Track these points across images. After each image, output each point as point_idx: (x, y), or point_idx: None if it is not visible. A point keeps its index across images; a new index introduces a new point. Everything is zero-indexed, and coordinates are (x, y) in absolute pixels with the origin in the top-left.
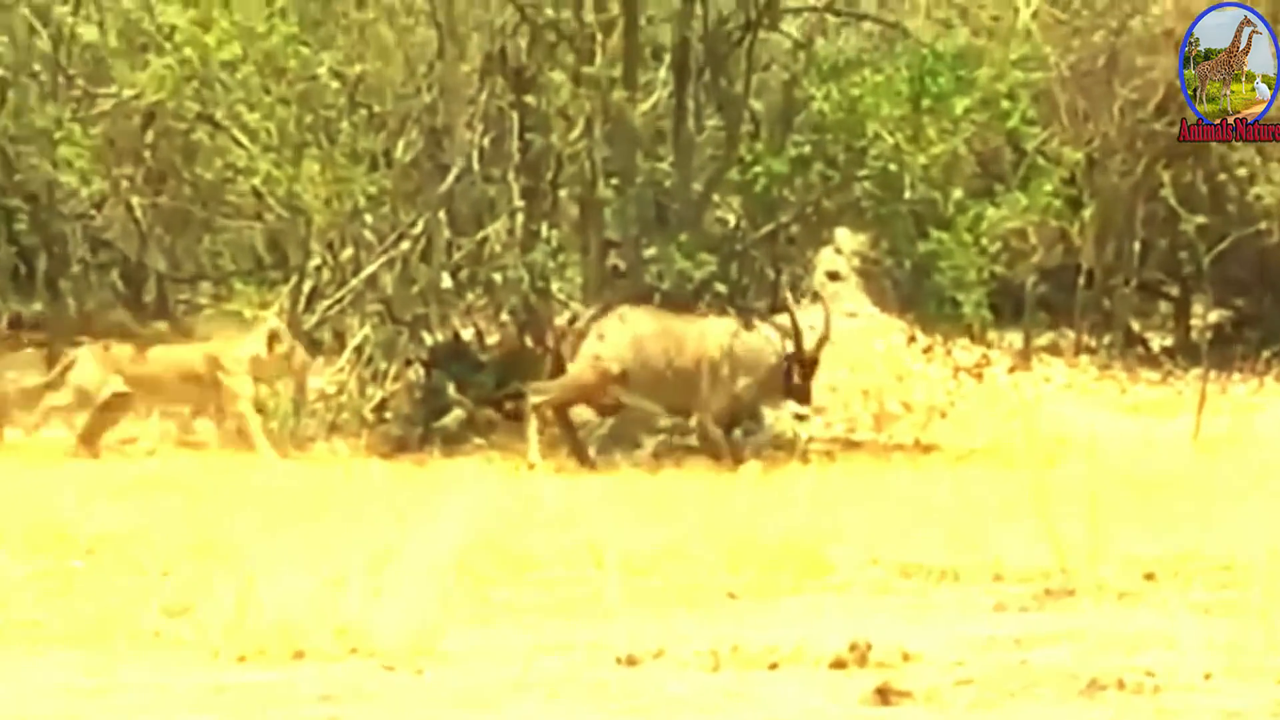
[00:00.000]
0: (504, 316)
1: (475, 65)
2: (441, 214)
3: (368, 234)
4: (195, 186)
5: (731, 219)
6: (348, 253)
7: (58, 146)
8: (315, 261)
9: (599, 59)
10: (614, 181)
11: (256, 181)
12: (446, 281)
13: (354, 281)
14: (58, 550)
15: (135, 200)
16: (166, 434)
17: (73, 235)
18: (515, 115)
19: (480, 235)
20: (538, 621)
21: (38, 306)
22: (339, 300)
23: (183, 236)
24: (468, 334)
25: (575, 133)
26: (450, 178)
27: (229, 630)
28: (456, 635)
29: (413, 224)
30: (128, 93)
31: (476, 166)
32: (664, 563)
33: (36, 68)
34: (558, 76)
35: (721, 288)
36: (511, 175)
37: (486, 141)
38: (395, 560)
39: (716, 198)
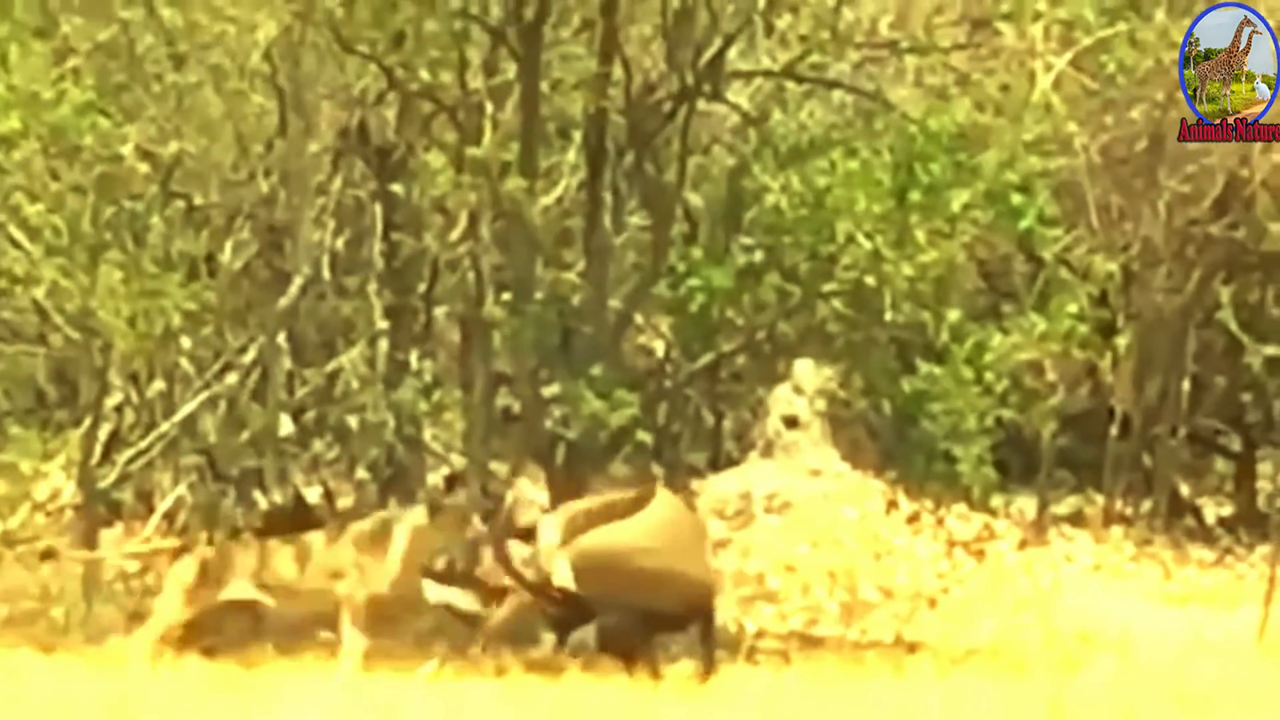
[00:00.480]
0: (361, 473)
1: (327, 144)
2: (281, 338)
3: (184, 363)
4: None
5: (659, 347)
6: (157, 387)
7: None
8: (115, 399)
9: (488, 137)
10: (506, 297)
11: (39, 294)
12: (286, 426)
13: (165, 425)
14: None
15: None
16: None
17: None
18: (378, 209)
19: (331, 366)
20: None
21: None
22: (145, 450)
23: None
24: (313, 495)
25: (456, 233)
26: (293, 290)
27: None
28: None
29: (243, 350)
30: None
31: (328, 275)
32: None
33: None
34: (434, 159)
35: (645, 437)
36: (373, 288)
37: (341, 243)
38: None
39: (640, 319)
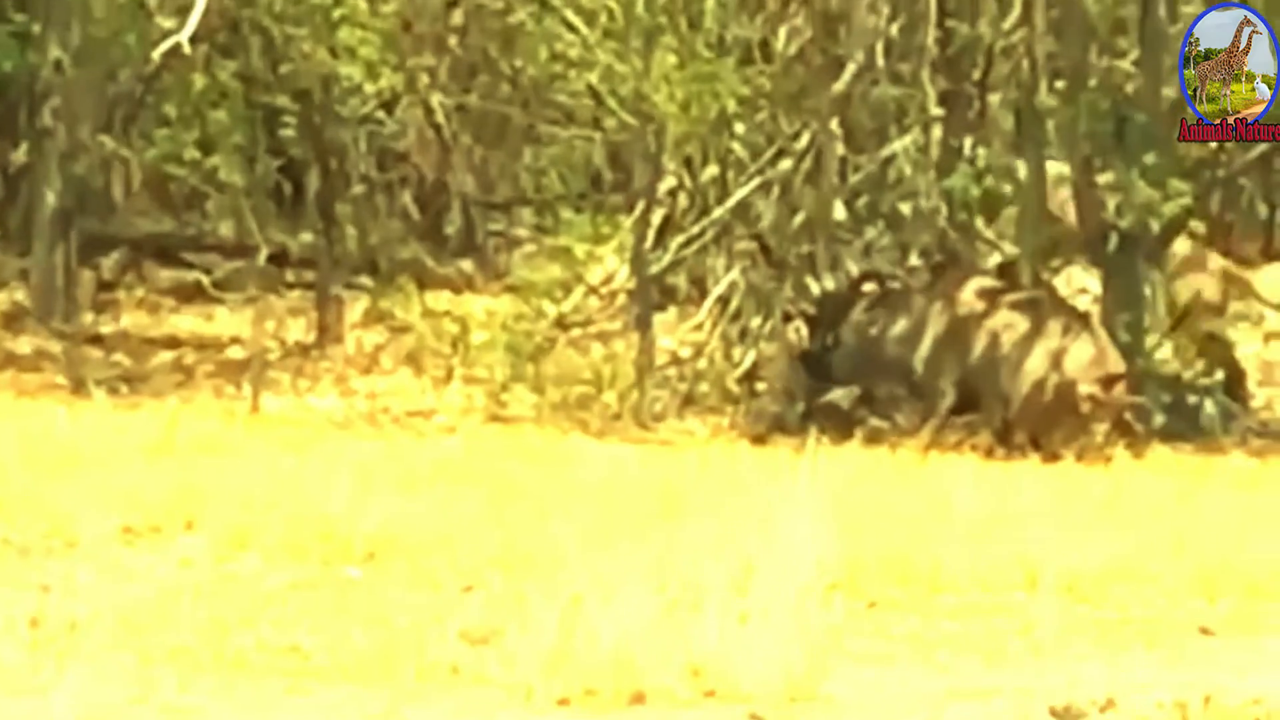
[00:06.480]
0: (913, 259)
1: None
2: (834, 124)
3: (738, 149)
4: (514, 84)
5: None
6: (711, 172)
7: (337, 29)
8: (669, 184)
9: None
10: (1060, 85)
11: (594, 78)
12: (839, 212)
13: (719, 211)
14: (327, 555)
15: (436, 101)
16: (471, 406)
17: (354, 146)
18: None
19: (884, 152)
20: (950, 659)
21: (307, 238)
22: (699, 235)
23: (497, 149)
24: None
25: (1010, 19)
26: (846, 76)
27: (548, 664)
28: (843, 676)
29: (796, 136)
30: None
31: (881, 62)
32: (1116, 586)
33: None
34: None
35: (1198, 226)
36: (926, 74)
37: (894, 29)
38: (765, 577)
39: None
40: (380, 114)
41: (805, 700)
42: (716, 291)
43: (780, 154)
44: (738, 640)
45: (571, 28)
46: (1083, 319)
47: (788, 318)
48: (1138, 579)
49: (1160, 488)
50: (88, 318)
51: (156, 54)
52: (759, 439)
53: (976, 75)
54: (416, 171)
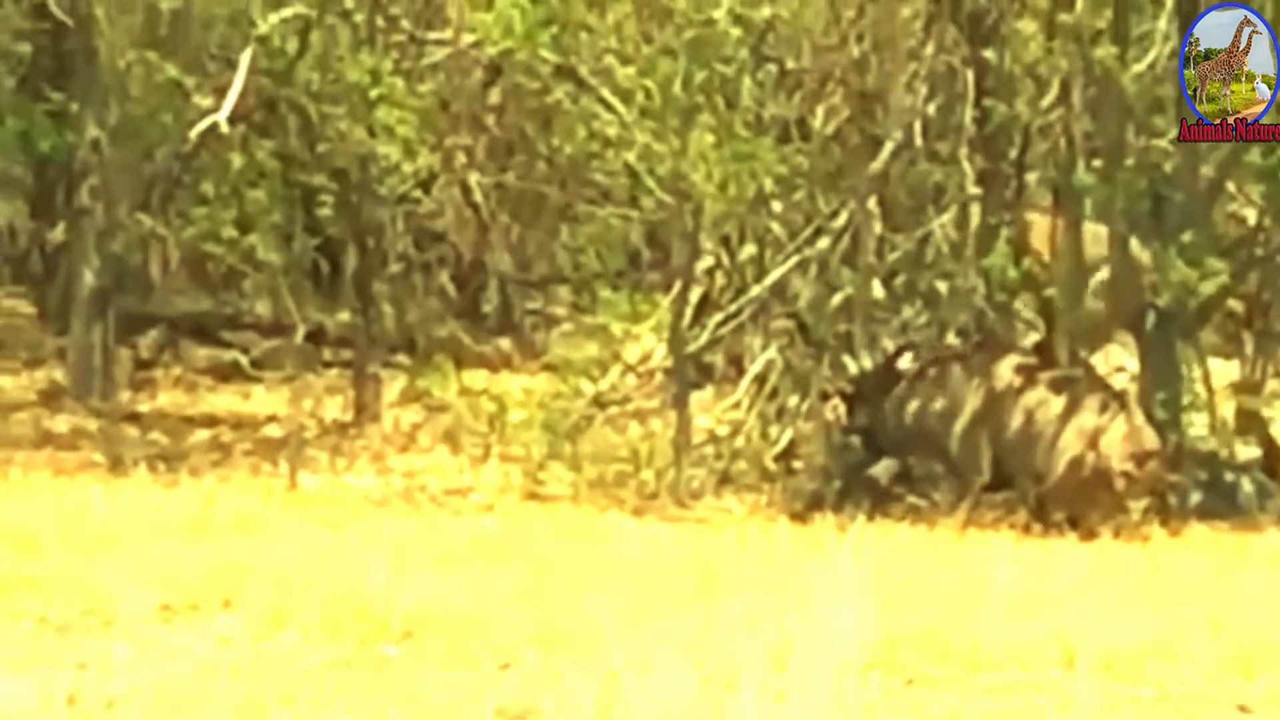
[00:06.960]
0: (950, 338)
1: (918, 9)
2: (872, 202)
3: (775, 227)
4: (551, 162)
5: (1251, 215)
6: (749, 251)
7: (374, 108)
8: (706, 262)
9: (1079, 4)
10: (1097, 163)
11: (631, 157)
12: (877, 290)
13: (756, 289)
14: (364, 634)
15: (473, 179)
16: (508, 484)
17: (391, 224)
18: (970, 75)
19: (922, 231)
20: None
21: (344, 316)
22: (736, 314)
23: (534, 228)
24: (904, 359)
25: (1048, 99)
26: (884, 155)
27: None
28: None
29: (834, 215)
30: (466, 39)
31: (919, 141)
32: (1154, 664)
33: (349, 4)
34: (1026, 26)
35: (1235, 305)
36: (964, 153)
37: (932, 109)
38: (803, 654)
39: (1232, 186)
40: (417, 193)
41: None
42: (754, 370)
43: (818, 233)
44: (775, 718)
45: (609, 107)
46: (1119, 397)
47: (825, 396)
48: (1175, 657)
49: (1197, 565)
50: (125, 396)
51: (194, 133)
52: (796, 516)
53: (1014, 154)
54: (454, 250)
